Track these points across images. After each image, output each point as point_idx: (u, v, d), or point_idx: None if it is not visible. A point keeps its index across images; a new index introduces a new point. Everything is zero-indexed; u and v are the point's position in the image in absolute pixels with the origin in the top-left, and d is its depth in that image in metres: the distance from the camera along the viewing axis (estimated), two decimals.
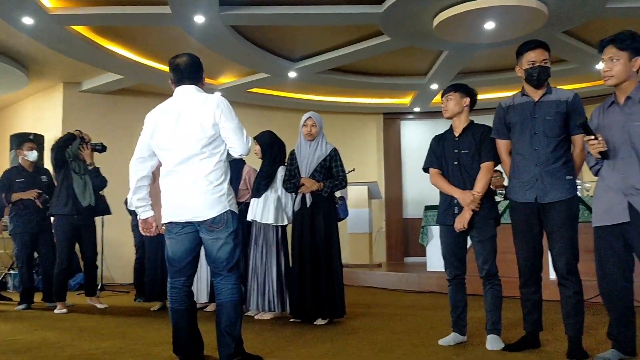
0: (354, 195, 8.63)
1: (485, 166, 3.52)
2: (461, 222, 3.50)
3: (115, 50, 7.29)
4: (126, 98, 8.99)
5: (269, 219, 4.85)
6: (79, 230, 5.58)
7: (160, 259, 5.42)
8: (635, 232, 2.86)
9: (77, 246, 5.72)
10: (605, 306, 3.06)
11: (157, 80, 8.24)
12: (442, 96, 3.69)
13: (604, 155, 2.96)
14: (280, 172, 4.90)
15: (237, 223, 3.08)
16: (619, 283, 2.96)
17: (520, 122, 3.34)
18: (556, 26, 6.61)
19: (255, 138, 5.00)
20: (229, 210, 3.02)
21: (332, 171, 4.61)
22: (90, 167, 5.59)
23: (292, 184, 4.62)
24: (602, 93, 8.50)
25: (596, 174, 3.13)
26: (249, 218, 4.92)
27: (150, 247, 5.58)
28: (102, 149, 5.63)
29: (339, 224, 4.74)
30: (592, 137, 2.91)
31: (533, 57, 3.30)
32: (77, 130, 5.62)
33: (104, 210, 5.92)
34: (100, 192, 5.80)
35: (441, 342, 3.61)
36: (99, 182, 5.65)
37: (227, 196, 3.03)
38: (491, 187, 3.67)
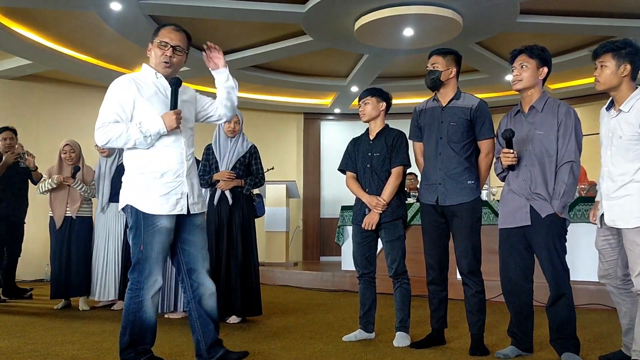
0: (273, 193, 8.62)
1: (395, 171, 3.63)
2: (368, 222, 3.61)
3: (24, 33, 6.86)
4: (36, 84, 8.49)
5: None
6: None
7: (66, 255, 5.18)
8: (537, 234, 3.03)
9: None
10: (507, 304, 3.24)
11: (69, 67, 7.85)
12: (360, 100, 3.77)
13: (511, 168, 3.14)
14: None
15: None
16: (519, 283, 3.14)
17: (428, 126, 3.48)
18: (470, 37, 6.91)
19: None
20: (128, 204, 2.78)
21: (251, 168, 4.58)
22: None
23: (205, 179, 4.53)
24: (510, 103, 8.98)
25: (503, 179, 3.31)
26: None
27: (55, 243, 5.30)
28: None
29: (256, 221, 4.72)
30: (511, 150, 3.07)
31: (428, 63, 3.47)
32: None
33: None
34: None
35: (345, 338, 3.70)
36: None
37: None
38: (405, 189, 3.78)
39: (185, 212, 2.77)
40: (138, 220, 2.73)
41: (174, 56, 2.79)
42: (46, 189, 5.23)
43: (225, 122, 2.97)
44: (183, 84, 2.87)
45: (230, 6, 6.05)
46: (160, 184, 2.73)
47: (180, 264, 2.88)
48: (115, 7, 5.86)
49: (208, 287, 2.88)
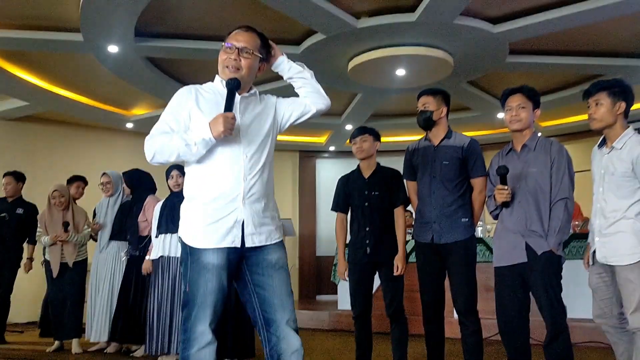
0: None
1: (399, 211, 3.70)
2: (401, 268, 3.63)
3: (21, 75, 6.94)
4: (32, 125, 8.54)
5: None
6: None
7: (61, 299, 5.14)
8: (533, 272, 3.03)
9: None
10: (504, 343, 3.20)
11: (65, 108, 7.91)
12: (356, 137, 3.81)
13: (506, 205, 3.16)
14: None
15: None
16: (516, 321, 3.12)
17: (421, 165, 3.52)
18: (461, 76, 7.04)
19: (177, 169, 4.88)
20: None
21: None
22: None
23: None
24: (502, 140, 9.08)
25: (496, 217, 3.33)
26: (161, 254, 4.71)
27: (51, 287, 5.26)
28: None
29: None
30: (506, 187, 3.10)
31: (418, 104, 3.53)
32: None
33: None
34: None
35: None
36: None
37: None
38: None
39: (238, 244, 2.27)
40: (185, 255, 2.33)
41: (241, 59, 2.36)
42: (44, 244, 5.25)
43: (323, 110, 2.56)
44: (266, 94, 2.55)
45: None
46: (210, 209, 2.28)
47: (256, 311, 2.37)
48: (113, 49, 5.95)
49: (291, 342, 2.31)
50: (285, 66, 2.54)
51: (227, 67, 2.37)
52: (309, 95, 2.52)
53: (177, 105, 2.36)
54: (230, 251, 2.27)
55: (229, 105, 2.25)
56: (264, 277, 2.34)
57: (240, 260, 2.33)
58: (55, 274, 5.17)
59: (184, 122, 2.33)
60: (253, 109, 2.43)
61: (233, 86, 2.27)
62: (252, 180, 2.32)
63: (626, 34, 6.03)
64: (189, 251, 2.31)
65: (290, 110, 2.52)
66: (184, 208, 2.39)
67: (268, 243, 2.35)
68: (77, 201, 5.76)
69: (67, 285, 5.17)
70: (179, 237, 2.37)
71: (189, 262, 2.30)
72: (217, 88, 2.42)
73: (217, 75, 2.45)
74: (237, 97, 2.34)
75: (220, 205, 2.27)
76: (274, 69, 2.56)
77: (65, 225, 5.19)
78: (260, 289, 2.33)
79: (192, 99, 2.36)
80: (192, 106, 2.34)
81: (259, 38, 2.44)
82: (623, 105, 2.90)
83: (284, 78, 2.57)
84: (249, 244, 2.29)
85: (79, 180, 6.09)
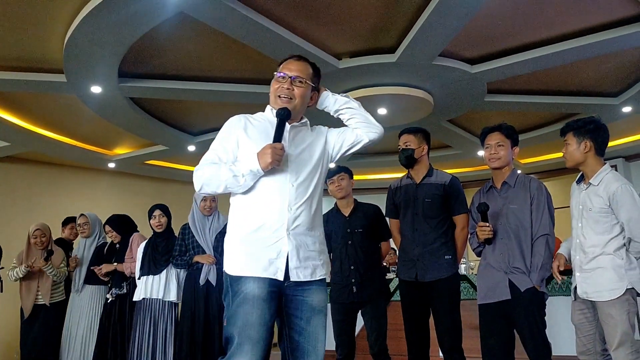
0: None
1: (386, 245, 3.72)
2: None
3: (1, 116, 6.89)
4: (12, 165, 8.45)
5: (171, 296, 4.67)
6: None
7: (41, 343, 5.01)
8: (517, 308, 3.04)
9: None
10: None
11: (47, 147, 7.85)
12: (333, 176, 3.85)
13: (488, 242, 3.19)
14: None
15: None
16: (501, 358, 3.11)
17: (404, 203, 3.56)
18: (441, 115, 7.15)
19: (160, 209, 4.87)
20: None
21: None
22: None
23: (184, 260, 4.51)
24: (483, 177, 9.19)
25: (479, 254, 3.35)
26: (143, 296, 4.65)
27: (24, 331, 5.14)
28: None
29: None
30: (487, 224, 3.13)
31: (400, 142, 3.58)
32: None
33: None
34: None
35: None
36: None
37: None
38: (385, 264, 3.82)
39: (280, 277, 2.15)
40: (226, 286, 2.22)
41: (294, 88, 2.34)
42: (15, 277, 5.15)
43: (376, 140, 2.52)
44: (316, 125, 2.53)
45: (206, 88, 6.19)
46: (252, 240, 2.20)
47: (287, 355, 2.28)
48: (96, 90, 5.97)
49: None
50: (330, 100, 2.51)
51: (279, 96, 2.35)
52: (359, 126, 2.49)
53: (226, 135, 2.36)
54: (272, 283, 2.16)
55: (278, 135, 2.22)
56: (302, 322, 2.24)
57: (280, 297, 2.21)
58: (27, 313, 5.06)
59: (232, 152, 2.31)
60: (303, 138, 2.40)
61: (284, 116, 2.25)
62: (298, 211, 2.24)
63: (598, 74, 6.20)
64: (229, 283, 2.21)
65: (341, 140, 2.49)
66: (226, 240, 2.30)
67: (313, 279, 2.25)
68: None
69: (42, 327, 5.07)
70: (224, 271, 2.25)
71: (230, 295, 2.18)
72: (267, 117, 2.42)
73: (268, 105, 2.44)
74: (287, 126, 2.32)
75: (263, 236, 2.20)
76: (319, 107, 2.52)
77: (49, 253, 5.13)
78: (296, 333, 2.24)
79: (241, 127, 2.35)
80: (241, 134, 2.32)
81: (311, 67, 2.43)
82: (588, 144, 2.95)
83: (331, 113, 2.52)
84: (294, 278, 2.19)
85: (73, 222, 6.09)
